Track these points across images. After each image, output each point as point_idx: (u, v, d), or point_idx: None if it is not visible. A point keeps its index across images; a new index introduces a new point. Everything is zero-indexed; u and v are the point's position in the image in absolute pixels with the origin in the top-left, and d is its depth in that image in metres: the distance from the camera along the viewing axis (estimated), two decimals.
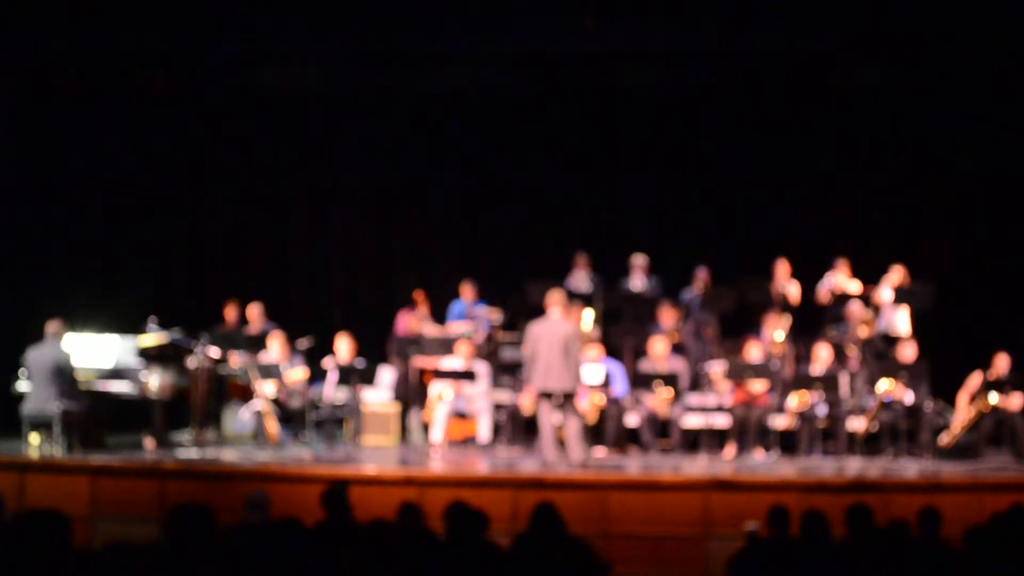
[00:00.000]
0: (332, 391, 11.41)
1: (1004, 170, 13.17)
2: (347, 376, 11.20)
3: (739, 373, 11.12)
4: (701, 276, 12.50)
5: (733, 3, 12.73)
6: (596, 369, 11.25)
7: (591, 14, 12.71)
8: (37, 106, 13.44)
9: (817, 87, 13.27)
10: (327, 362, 11.46)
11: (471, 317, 12.53)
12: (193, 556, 5.00)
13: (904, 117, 13.29)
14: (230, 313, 12.46)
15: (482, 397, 11.57)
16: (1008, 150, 13.12)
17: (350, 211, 14.24)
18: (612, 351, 11.86)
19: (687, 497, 9.27)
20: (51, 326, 10.69)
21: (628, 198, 13.79)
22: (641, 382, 11.29)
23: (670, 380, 11.09)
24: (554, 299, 10.39)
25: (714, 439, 11.24)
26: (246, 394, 11.54)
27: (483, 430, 11.56)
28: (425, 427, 11.89)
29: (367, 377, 11.27)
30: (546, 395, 10.18)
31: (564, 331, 10.19)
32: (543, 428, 10.27)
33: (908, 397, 11.01)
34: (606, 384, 11.27)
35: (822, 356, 11.26)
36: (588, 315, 11.85)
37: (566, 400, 10.18)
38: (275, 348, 11.51)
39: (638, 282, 12.64)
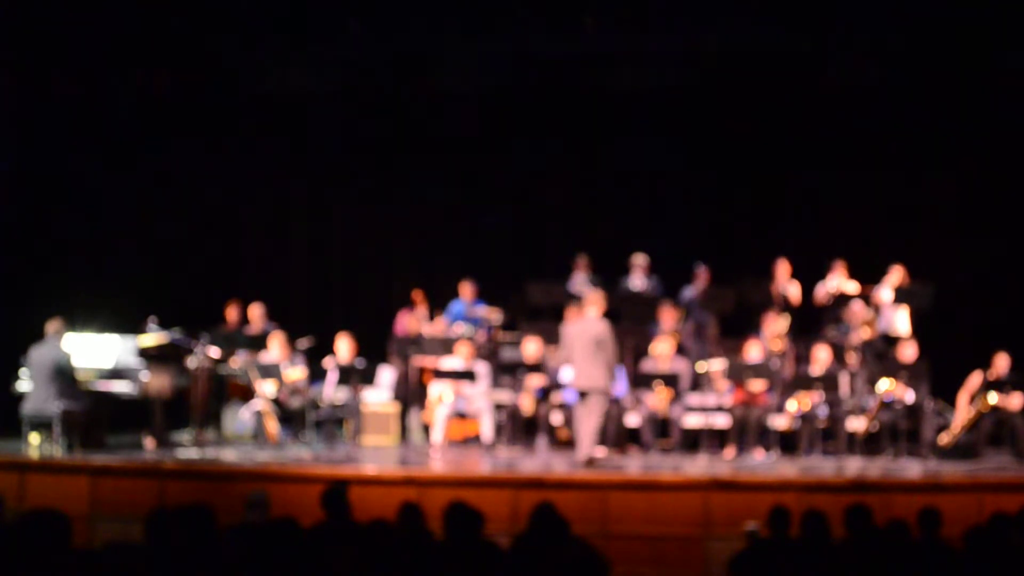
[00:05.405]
0: (332, 391, 11.41)
1: (1004, 170, 13.16)
2: (347, 376, 11.21)
3: (739, 373, 11.12)
4: (701, 274, 12.50)
5: (733, 3, 12.73)
6: None
7: (591, 14, 12.71)
8: (37, 106, 13.43)
9: (817, 86, 13.27)
10: (327, 362, 11.45)
11: (470, 317, 12.52)
12: (187, 557, 4.99)
13: (904, 117, 13.28)
14: (231, 313, 12.45)
15: (482, 397, 11.56)
16: (1008, 150, 13.11)
17: (350, 211, 14.24)
18: None
19: (687, 497, 9.26)
20: (51, 326, 10.69)
21: (628, 197, 13.78)
22: (641, 382, 11.29)
23: (670, 380, 11.10)
24: (592, 299, 10.58)
25: (714, 439, 11.24)
26: (246, 394, 11.54)
27: (484, 430, 11.57)
28: (425, 427, 11.89)
29: (367, 377, 11.28)
30: (581, 394, 10.35)
31: (595, 330, 10.30)
32: (577, 426, 10.42)
33: (908, 397, 11.01)
34: None
35: (821, 358, 11.24)
36: None
37: (591, 397, 10.26)
38: (275, 348, 11.51)
39: (638, 282, 12.63)
